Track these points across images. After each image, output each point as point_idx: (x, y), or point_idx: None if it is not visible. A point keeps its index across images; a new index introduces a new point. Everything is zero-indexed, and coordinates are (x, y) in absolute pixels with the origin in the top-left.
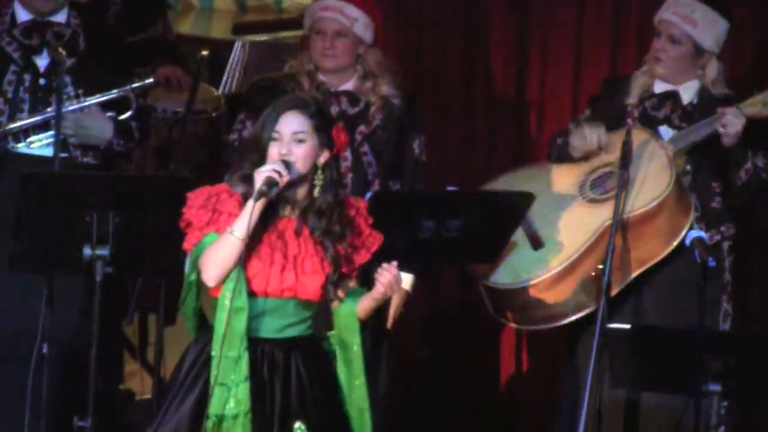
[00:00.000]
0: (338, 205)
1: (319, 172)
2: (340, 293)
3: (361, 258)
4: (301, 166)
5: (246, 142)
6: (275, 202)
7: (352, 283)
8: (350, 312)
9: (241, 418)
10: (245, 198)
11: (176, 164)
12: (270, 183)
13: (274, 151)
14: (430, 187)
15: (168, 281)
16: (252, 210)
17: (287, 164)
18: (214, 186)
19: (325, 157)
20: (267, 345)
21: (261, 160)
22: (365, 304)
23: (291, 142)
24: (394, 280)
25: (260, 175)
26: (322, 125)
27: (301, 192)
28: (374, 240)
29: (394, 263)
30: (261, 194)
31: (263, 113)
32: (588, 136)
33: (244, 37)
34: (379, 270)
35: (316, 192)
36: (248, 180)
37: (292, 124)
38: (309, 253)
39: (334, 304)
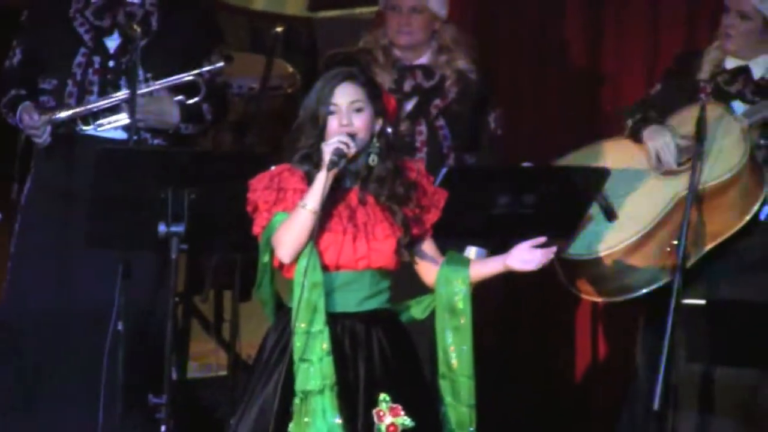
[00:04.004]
0: (398, 169)
1: (375, 140)
2: (432, 259)
3: (432, 216)
4: (363, 135)
5: (300, 121)
6: (338, 175)
7: (427, 246)
8: (464, 278)
9: (327, 392)
10: (308, 175)
11: (251, 140)
12: (339, 154)
13: (334, 123)
14: (504, 162)
15: (243, 257)
16: (324, 181)
17: (351, 136)
18: (274, 168)
19: (379, 124)
20: (347, 320)
21: (320, 135)
22: (485, 270)
23: (350, 113)
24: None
25: (328, 148)
26: (375, 93)
27: (361, 162)
28: (440, 197)
29: (554, 249)
30: (333, 164)
31: (313, 89)
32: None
33: (320, 13)
34: (537, 250)
35: (372, 160)
36: (308, 159)
37: (348, 95)
38: (378, 218)
39: (433, 271)
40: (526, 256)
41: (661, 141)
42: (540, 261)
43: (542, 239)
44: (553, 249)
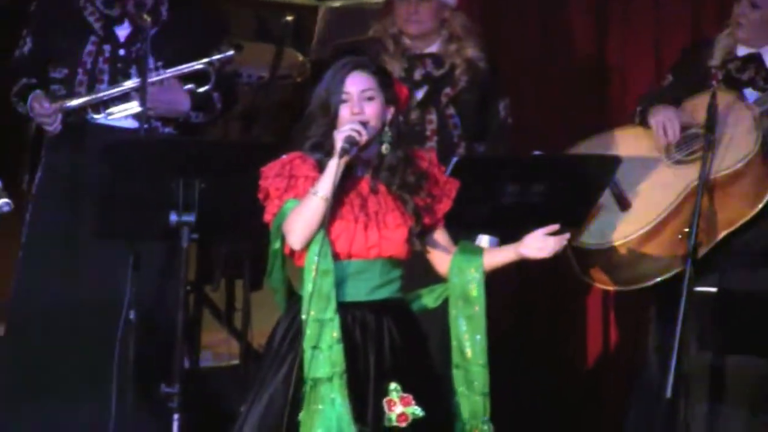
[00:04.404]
0: (409, 158)
1: (386, 128)
2: (444, 248)
3: (444, 206)
4: (375, 123)
5: (311, 110)
6: (349, 163)
7: (439, 235)
8: (477, 266)
9: (337, 380)
10: (320, 163)
11: (260, 129)
12: (351, 141)
13: (346, 111)
14: (513, 150)
15: (254, 246)
16: (336, 168)
17: (363, 124)
18: (286, 156)
19: (390, 113)
20: (358, 309)
21: (331, 123)
22: (498, 259)
23: (361, 101)
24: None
25: (340, 135)
26: (386, 81)
27: (372, 150)
28: (452, 186)
29: (567, 236)
30: (344, 151)
31: (324, 78)
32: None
33: (328, 2)
34: (550, 238)
35: (385, 149)
36: (320, 147)
37: (359, 83)
38: (389, 207)
39: (446, 261)
40: (539, 244)
41: (663, 115)
42: (553, 248)
43: (555, 227)
44: (566, 236)
